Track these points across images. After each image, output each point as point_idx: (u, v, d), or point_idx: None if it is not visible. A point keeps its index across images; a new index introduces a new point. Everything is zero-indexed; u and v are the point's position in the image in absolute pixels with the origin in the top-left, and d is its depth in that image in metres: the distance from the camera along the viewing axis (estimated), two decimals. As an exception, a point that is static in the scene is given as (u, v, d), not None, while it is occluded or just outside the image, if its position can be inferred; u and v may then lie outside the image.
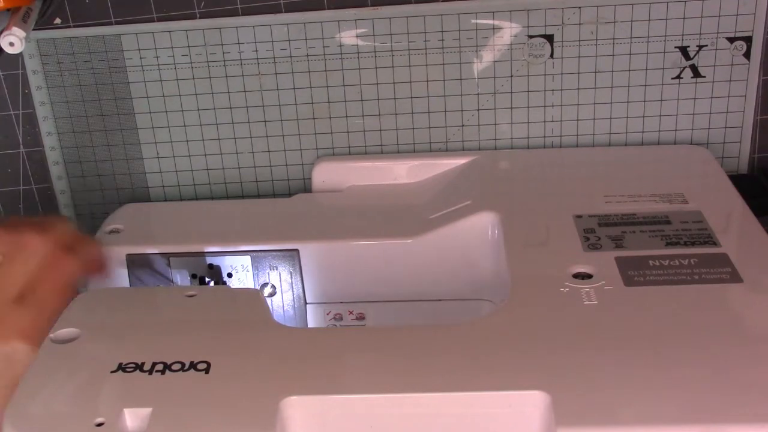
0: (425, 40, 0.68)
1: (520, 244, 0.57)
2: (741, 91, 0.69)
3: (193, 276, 0.63)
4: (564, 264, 0.54)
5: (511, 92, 0.70)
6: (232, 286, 0.63)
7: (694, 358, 0.45)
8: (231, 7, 0.68)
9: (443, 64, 0.69)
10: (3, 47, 0.59)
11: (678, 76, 0.69)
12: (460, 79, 0.69)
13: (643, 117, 0.70)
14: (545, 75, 0.69)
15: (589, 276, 0.53)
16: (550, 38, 0.68)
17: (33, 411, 0.45)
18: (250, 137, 0.72)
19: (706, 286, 0.51)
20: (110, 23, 0.68)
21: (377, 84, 0.70)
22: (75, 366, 0.47)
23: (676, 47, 0.68)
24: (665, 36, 0.68)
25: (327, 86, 0.70)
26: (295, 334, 0.51)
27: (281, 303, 0.64)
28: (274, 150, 0.72)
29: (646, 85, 0.69)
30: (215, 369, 0.46)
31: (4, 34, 0.59)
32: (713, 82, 0.69)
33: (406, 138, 0.72)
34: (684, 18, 0.67)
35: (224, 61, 0.69)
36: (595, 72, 0.69)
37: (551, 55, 0.69)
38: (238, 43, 0.69)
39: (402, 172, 0.70)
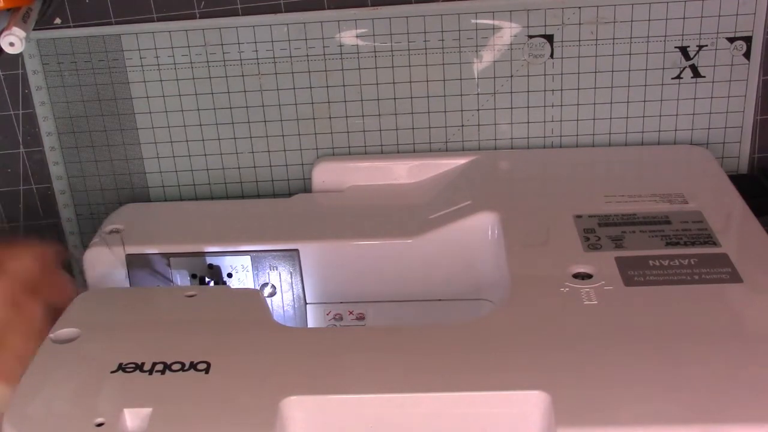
0: (425, 40, 0.68)
1: (520, 244, 0.57)
2: (741, 91, 0.69)
3: (193, 276, 0.63)
4: (564, 264, 0.54)
5: (511, 92, 0.70)
6: (232, 286, 0.63)
7: (694, 358, 0.45)
8: (231, 7, 0.68)
9: (443, 64, 0.69)
10: (3, 47, 0.59)
11: (678, 76, 0.69)
12: (460, 79, 0.69)
13: (643, 117, 0.70)
14: (545, 75, 0.69)
15: (589, 276, 0.53)
16: (550, 38, 0.68)
17: (33, 411, 0.45)
18: (250, 137, 0.72)
19: (706, 286, 0.51)
20: (110, 23, 0.68)
21: (377, 84, 0.70)
22: (75, 366, 0.47)
23: (676, 47, 0.68)
24: (665, 36, 0.68)
25: (327, 86, 0.70)
26: (295, 334, 0.51)
27: (281, 303, 0.64)
28: (274, 150, 0.72)
29: (646, 85, 0.69)
30: (215, 369, 0.46)
31: (4, 34, 0.59)
32: (713, 82, 0.69)
33: (406, 138, 0.72)
34: (684, 18, 0.67)
35: (224, 61, 0.69)
36: (595, 72, 0.69)
37: (551, 55, 0.69)
38: (238, 43, 0.69)
39: (402, 172, 0.70)
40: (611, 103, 0.70)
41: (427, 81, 0.70)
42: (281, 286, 0.63)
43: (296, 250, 0.62)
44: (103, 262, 0.63)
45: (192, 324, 0.51)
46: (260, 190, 0.73)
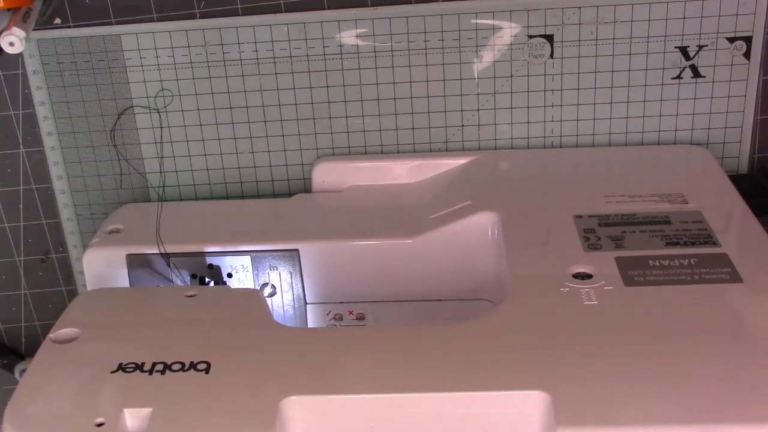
0: (425, 40, 0.68)
1: (520, 244, 0.57)
2: (741, 91, 0.69)
3: (193, 276, 0.63)
4: (564, 264, 0.54)
5: (511, 92, 0.70)
6: (232, 286, 0.63)
7: (694, 358, 0.45)
8: (231, 7, 0.68)
9: (443, 64, 0.69)
10: (3, 47, 0.59)
11: (678, 76, 0.69)
12: (460, 79, 0.69)
13: (643, 117, 0.70)
14: (545, 75, 0.69)
15: (589, 276, 0.53)
16: (550, 38, 0.68)
17: (33, 411, 0.45)
18: (250, 137, 0.72)
19: (706, 286, 0.51)
20: (110, 23, 0.68)
21: (377, 84, 0.70)
22: (75, 366, 0.47)
23: (676, 47, 0.68)
24: (665, 36, 0.68)
25: (327, 86, 0.70)
26: (295, 334, 0.51)
27: (281, 303, 0.64)
28: (274, 150, 0.72)
29: (646, 85, 0.69)
30: (215, 369, 0.46)
31: (4, 34, 0.59)
32: (713, 82, 0.69)
33: (406, 138, 0.72)
34: (684, 18, 0.67)
35: (224, 61, 0.69)
36: (595, 72, 0.69)
37: (551, 55, 0.69)
38: (238, 43, 0.69)
39: (402, 172, 0.70)
40: (611, 103, 0.70)
41: (427, 81, 0.70)
42: (281, 286, 0.63)
43: (296, 250, 0.62)
44: (103, 262, 0.63)
45: (192, 324, 0.51)
46: (260, 190, 0.73)
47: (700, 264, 0.53)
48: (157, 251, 0.63)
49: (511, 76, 0.69)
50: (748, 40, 0.68)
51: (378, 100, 0.70)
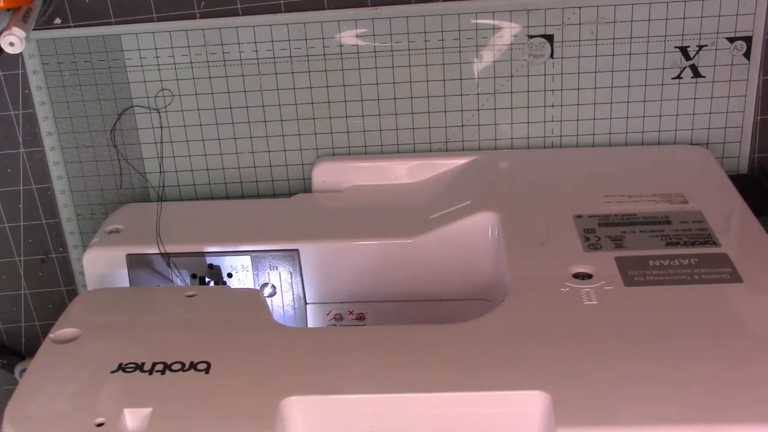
0: (425, 40, 0.68)
1: (520, 244, 0.57)
2: (741, 91, 0.69)
3: (193, 276, 0.63)
4: (564, 264, 0.54)
5: (511, 92, 0.70)
6: (232, 286, 0.63)
7: (694, 358, 0.45)
8: (231, 7, 0.68)
9: (443, 64, 0.69)
10: (3, 47, 0.59)
11: (678, 76, 0.69)
12: (460, 79, 0.69)
13: (643, 117, 0.70)
14: (545, 75, 0.69)
15: (589, 276, 0.53)
16: (550, 38, 0.68)
17: (33, 411, 0.45)
18: (250, 137, 0.72)
19: (706, 286, 0.51)
20: (110, 23, 0.68)
21: (377, 84, 0.70)
22: (75, 366, 0.47)
23: (676, 47, 0.68)
24: (665, 36, 0.68)
25: (327, 86, 0.70)
26: (295, 334, 0.51)
27: (281, 303, 0.64)
28: (274, 150, 0.72)
29: (646, 85, 0.69)
30: (215, 369, 0.46)
31: (4, 34, 0.59)
32: (713, 82, 0.69)
33: (406, 138, 0.72)
34: (684, 18, 0.67)
35: (224, 61, 0.69)
36: (595, 72, 0.69)
37: (551, 55, 0.69)
38: (238, 43, 0.69)
39: (402, 172, 0.70)
40: (611, 103, 0.70)
41: (427, 81, 0.70)
42: (281, 286, 0.63)
43: (296, 250, 0.62)
44: (103, 262, 0.63)
45: (192, 324, 0.51)
46: (260, 190, 0.73)
47: (700, 264, 0.53)
48: (157, 251, 0.63)
49: (511, 76, 0.69)
50: (748, 40, 0.68)
51: (378, 100, 0.70)
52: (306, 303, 0.64)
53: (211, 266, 0.63)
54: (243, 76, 0.70)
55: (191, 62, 0.69)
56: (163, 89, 0.70)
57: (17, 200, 0.73)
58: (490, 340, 0.48)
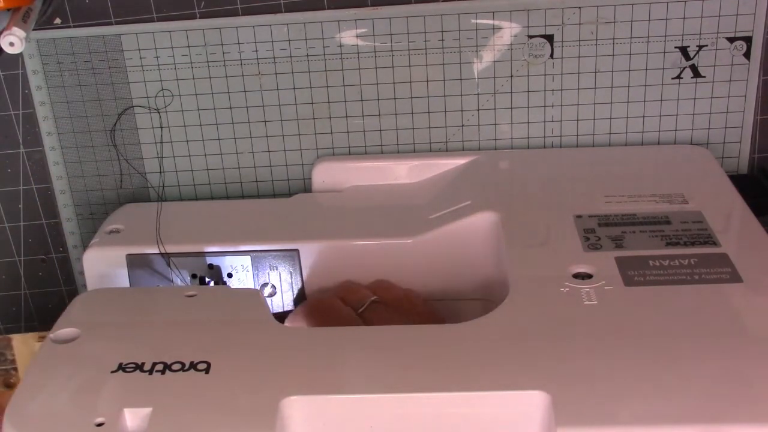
0: (425, 40, 0.68)
1: (520, 244, 0.57)
2: (741, 91, 0.69)
3: (193, 276, 0.63)
4: (564, 264, 0.54)
5: (511, 92, 0.70)
6: (232, 286, 0.63)
7: (694, 358, 0.45)
8: (231, 7, 0.68)
9: (443, 64, 0.69)
10: (3, 47, 0.59)
11: (678, 76, 0.69)
12: (460, 79, 0.69)
13: (643, 117, 0.70)
14: (545, 75, 0.69)
15: (589, 276, 0.53)
16: (550, 38, 0.68)
17: (33, 411, 0.45)
18: (250, 137, 0.72)
19: (706, 286, 0.51)
20: (110, 23, 0.68)
21: (377, 84, 0.70)
22: (75, 366, 0.47)
23: (676, 47, 0.68)
24: (665, 36, 0.68)
25: (327, 86, 0.70)
26: (295, 334, 0.51)
27: (281, 303, 0.64)
28: (274, 150, 0.72)
29: (646, 85, 0.69)
30: (215, 369, 0.46)
31: (4, 34, 0.59)
32: (713, 82, 0.69)
33: (406, 138, 0.72)
34: (684, 18, 0.67)
35: (224, 61, 0.69)
36: (595, 72, 0.69)
37: (551, 55, 0.69)
38: (238, 43, 0.69)
39: (402, 172, 0.70)
40: (611, 103, 0.70)
41: (427, 81, 0.70)
42: (281, 286, 0.63)
43: (296, 250, 0.62)
44: (103, 262, 0.63)
45: (192, 324, 0.51)
46: (260, 190, 0.73)
47: (700, 264, 0.53)
48: (157, 251, 0.63)
49: (511, 76, 0.69)
50: (748, 40, 0.68)
51: (378, 100, 0.70)
52: (306, 303, 0.64)
53: (211, 266, 0.63)
54: (243, 76, 0.70)
55: (191, 62, 0.69)
56: (163, 89, 0.70)
57: (17, 200, 0.73)
58: (490, 340, 0.48)
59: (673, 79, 0.69)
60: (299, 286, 0.63)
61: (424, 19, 0.68)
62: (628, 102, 0.70)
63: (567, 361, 0.46)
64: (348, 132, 0.71)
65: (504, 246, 0.57)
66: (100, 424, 0.43)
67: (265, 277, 0.63)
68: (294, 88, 0.70)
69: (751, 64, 0.68)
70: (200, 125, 0.71)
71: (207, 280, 0.63)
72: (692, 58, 0.68)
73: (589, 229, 0.58)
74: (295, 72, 0.69)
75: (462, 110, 0.70)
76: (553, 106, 0.70)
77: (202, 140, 0.72)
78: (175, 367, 0.47)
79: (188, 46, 0.69)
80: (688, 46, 0.68)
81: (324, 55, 0.69)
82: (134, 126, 0.71)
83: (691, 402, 0.42)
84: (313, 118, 0.71)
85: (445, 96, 0.70)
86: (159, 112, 0.71)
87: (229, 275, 0.63)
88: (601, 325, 0.48)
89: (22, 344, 0.70)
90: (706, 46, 0.68)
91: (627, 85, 0.69)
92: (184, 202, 0.73)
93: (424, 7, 0.67)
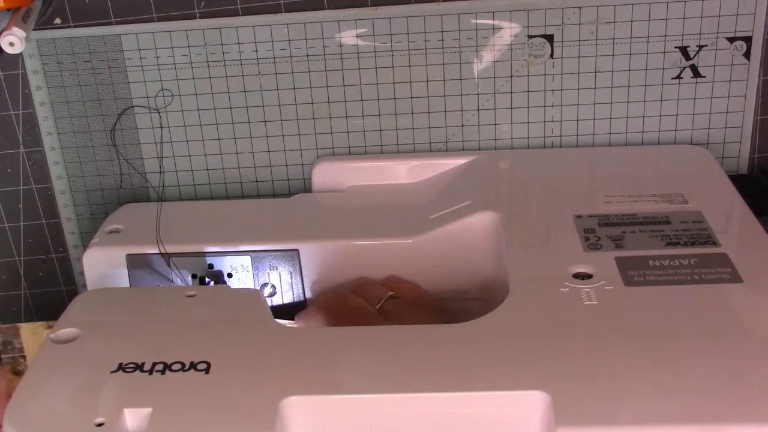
0: (425, 40, 0.68)
1: (520, 244, 0.57)
2: (741, 91, 0.69)
3: (193, 276, 0.63)
4: (564, 264, 0.54)
5: (511, 92, 0.70)
6: (232, 286, 0.63)
7: (694, 358, 0.45)
8: (231, 7, 0.68)
9: (443, 64, 0.69)
10: (3, 47, 0.59)
11: (678, 76, 0.69)
12: (460, 79, 0.69)
13: (643, 117, 0.70)
14: (545, 75, 0.69)
15: (589, 276, 0.53)
16: (550, 38, 0.68)
17: (33, 411, 0.45)
18: (250, 137, 0.72)
19: (706, 286, 0.51)
20: (110, 23, 0.68)
21: (377, 84, 0.70)
22: (75, 366, 0.47)
23: (676, 47, 0.68)
24: (665, 36, 0.68)
25: (327, 86, 0.70)
26: (295, 334, 0.51)
27: (281, 303, 0.64)
28: (274, 150, 0.72)
29: (646, 85, 0.69)
30: (215, 369, 0.46)
31: (4, 34, 0.59)
32: (713, 82, 0.69)
33: (406, 138, 0.72)
34: (684, 18, 0.67)
35: (224, 61, 0.69)
36: (595, 72, 0.69)
37: (551, 55, 0.69)
38: (238, 43, 0.69)
39: (402, 172, 0.70)
40: (611, 103, 0.70)
41: (427, 81, 0.70)
42: (281, 286, 0.63)
43: (296, 250, 0.62)
44: (103, 262, 0.63)
45: (192, 324, 0.51)
46: (260, 190, 0.73)
47: (700, 264, 0.53)
48: (157, 251, 0.63)
49: (511, 76, 0.69)
50: (748, 40, 0.68)
51: (378, 100, 0.70)
52: (306, 303, 0.64)
53: (211, 266, 0.63)
54: (243, 76, 0.70)
55: (191, 62, 0.69)
56: (163, 89, 0.70)
57: (17, 200, 0.73)
58: (490, 340, 0.48)
59: (673, 79, 0.69)
60: (299, 286, 0.63)
61: (424, 19, 0.68)
62: (628, 102, 0.70)
63: (567, 361, 0.46)
64: (348, 132, 0.71)
65: (504, 246, 0.57)
66: (100, 424, 0.43)
67: (265, 277, 0.63)
68: (294, 88, 0.70)
69: (751, 64, 0.68)
70: (200, 125, 0.71)
71: (207, 280, 0.63)
72: (692, 58, 0.68)
73: (589, 229, 0.58)
74: (295, 72, 0.69)
75: (462, 110, 0.70)
76: (553, 106, 0.70)
77: (202, 140, 0.72)
78: (175, 367, 0.47)
79: (188, 46, 0.69)
80: (688, 46, 0.68)
81: (324, 55, 0.69)
82: (134, 126, 0.71)
83: (691, 402, 0.42)
84: (313, 118, 0.71)
85: (445, 96, 0.70)
86: (159, 112, 0.71)
87: (229, 275, 0.63)
88: (601, 325, 0.48)
89: (30, 333, 0.70)
90: (706, 46, 0.68)
91: (627, 85, 0.69)
92: (184, 202, 0.73)
93: (424, 7, 0.67)
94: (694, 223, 0.58)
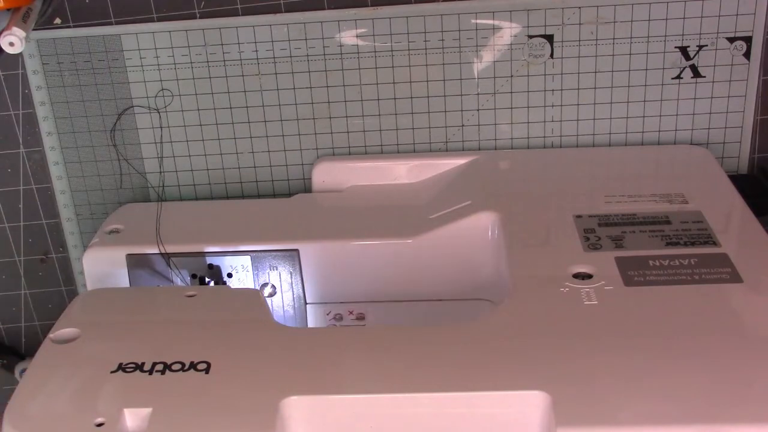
0: (425, 40, 0.68)
1: (520, 244, 0.57)
2: (741, 91, 0.69)
3: (193, 276, 0.63)
4: (564, 264, 0.54)
5: (511, 92, 0.70)
6: (232, 286, 0.63)
7: (694, 358, 0.45)
8: (231, 7, 0.68)
9: (443, 64, 0.69)
10: (3, 47, 0.59)
11: (678, 76, 0.69)
12: (460, 79, 0.69)
13: (643, 117, 0.70)
14: (545, 75, 0.69)
15: (589, 276, 0.53)
16: (550, 38, 0.68)
17: (33, 411, 0.45)
18: (250, 137, 0.72)
19: (706, 286, 0.51)
20: (110, 23, 0.68)
21: (377, 84, 0.70)
22: (75, 366, 0.47)
23: (676, 47, 0.68)
24: (665, 36, 0.68)
25: (327, 86, 0.70)
26: (295, 334, 0.51)
27: (281, 303, 0.64)
28: (274, 150, 0.72)
29: (646, 85, 0.69)
30: (215, 369, 0.46)
31: (4, 34, 0.59)
32: (713, 82, 0.69)
33: (406, 138, 0.72)
34: (684, 18, 0.67)
35: (224, 61, 0.69)
36: (595, 72, 0.69)
37: (551, 55, 0.69)
38: (238, 43, 0.69)
39: (402, 172, 0.70)
40: (611, 103, 0.70)
41: (427, 81, 0.70)
42: (281, 286, 0.63)
43: (296, 250, 0.62)
44: (103, 262, 0.63)
45: (192, 324, 0.51)
46: (260, 190, 0.73)
47: (700, 264, 0.53)
48: (157, 251, 0.63)
49: (511, 76, 0.69)
50: (748, 40, 0.68)
51: (378, 100, 0.70)
52: (306, 303, 0.64)
53: (211, 266, 0.63)
54: (243, 76, 0.70)
55: (191, 62, 0.69)
56: (163, 89, 0.70)
57: (17, 200, 0.73)
58: (490, 340, 0.48)
59: (673, 79, 0.69)
60: (299, 286, 0.63)
61: (424, 19, 0.68)
62: (628, 102, 0.70)
63: (567, 361, 0.46)
64: (348, 132, 0.71)
65: (504, 246, 0.57)
66: (100, 424, 0.43)
67: (265, 277, 0.63)
68: (294, 88, 0.70)
69: (751, 64, 0.68)
70: (200, 125, 0.71)
71: (207, 280, 0.63)
72: (692, 58, 0.68)
73: (589, 229, 0.58)
74: (295, 72, 0.69)
75: (462, 110, 0.70)
76: (553, 106, 0.70)
77: (202, 140, 0.72)
78: (175, 367, 0.47)
79: (188, 46, 0.69)
80: (688, 46, 0.68)
81: (324, 55, 0.69)
82: (134, 126, 0.71)
83: (691, 402, 0.42)
84: (313, 118, 0.71)
85: (445, 96, 0.70)
86: (159, 112, 0.71)
87: (229, 275, 0.63)
88: (601, 325, 0.48)
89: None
90: (706, 46, 0.68)
91: (627, 85, 0.69)
92: (184, 202, 0.73)
93: (424, 7, 0.67)
94: (694, 223, 0.58)
